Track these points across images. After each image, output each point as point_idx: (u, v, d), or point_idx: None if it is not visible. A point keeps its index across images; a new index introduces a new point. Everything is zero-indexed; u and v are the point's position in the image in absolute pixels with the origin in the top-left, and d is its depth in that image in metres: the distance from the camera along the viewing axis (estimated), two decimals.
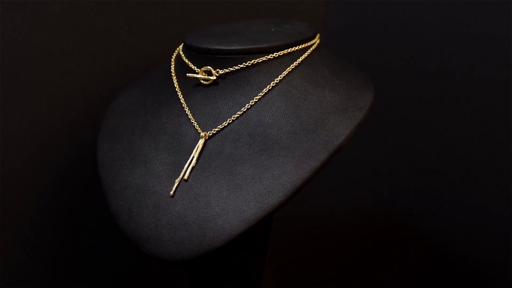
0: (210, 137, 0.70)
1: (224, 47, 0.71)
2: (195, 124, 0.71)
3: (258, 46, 0.70)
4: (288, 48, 0.70)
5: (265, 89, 0.70)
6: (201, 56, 0.73)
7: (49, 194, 0.90)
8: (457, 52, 1.03)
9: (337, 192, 1.20)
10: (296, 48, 0.71)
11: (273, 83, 0.70)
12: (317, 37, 0.74)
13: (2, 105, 0.84)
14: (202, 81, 0.72)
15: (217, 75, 0.71)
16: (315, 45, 0.73)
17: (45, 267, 0.91)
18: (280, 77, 0.70)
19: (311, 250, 1.22)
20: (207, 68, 0.71)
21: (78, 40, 0.89)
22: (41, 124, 0.88)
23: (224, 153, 0.68)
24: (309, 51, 0.72)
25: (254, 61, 0.70)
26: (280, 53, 0.70)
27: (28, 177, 0.88)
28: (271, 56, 0.70)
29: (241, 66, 0.70)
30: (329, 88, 0.69)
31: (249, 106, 0.69)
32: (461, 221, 1.09)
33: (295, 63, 0.70)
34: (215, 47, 0.72)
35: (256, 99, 0.69)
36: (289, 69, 0.70)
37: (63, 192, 0.91)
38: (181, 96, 0.73)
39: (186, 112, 0.72)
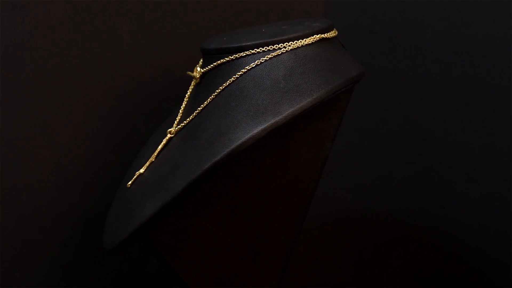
0: (176, 133, 0.74)
1: (205, 47, 0.74)
2: (176, 120, 0.74)
3: (225, 46, 0.72)
4: (253, 49, 0.70)
5: (218, 89, 0.71)
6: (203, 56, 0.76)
7: (50, 194, 0.90)
8: (457, 52, 1.03)
9: (337, 193, 1.20)
10: (263, 49, 0.70)
11: (225, 85, 0.71)
12: (311, 38, 0.72)
13: (2, 105, 0.84)
14: (194, 79, 0.75)
15: (200, 74, 0.74)
16: (294, 46, 0.71)
17: (46, 267, 0.91)
18: (234, 77, 0.70)
19: (312, 251, 1.22)
20: (197, 66, 0.74)
21: (78, 40, 0.89)
22: (41, 124, 0.88)
23: (171, 149, 0.72)
24: (278, 52, 0.70)
25: (220, 61, 0.72)
26: (243, 53, 0.70)
27: (28, 177, 0.88)
28: (233, 56, 0.71)
29: (212, 66, 0.72)
30: (268, 91, 0.68)
31: (203, 106, 0.72)
32: (461, 221, 1.09)
33: (251, 64, 0.70)
34: (201, 47, 0.75)
35: (210, 99, 0.71)
36: (243, 70, 0.70)
37: (64, 192, 0.91)
38: (188, 93, 0.76)
39: (181, 108, 0.75)
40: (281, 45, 0.70)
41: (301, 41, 0.71)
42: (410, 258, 1.17)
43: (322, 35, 0.72)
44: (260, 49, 0.70)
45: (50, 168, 0.89)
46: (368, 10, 1.10)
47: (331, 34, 0.73)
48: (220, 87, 0.71)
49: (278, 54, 0.70)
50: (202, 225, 0.76)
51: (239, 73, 0.70)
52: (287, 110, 0.66)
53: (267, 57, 0.70)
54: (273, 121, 0.65)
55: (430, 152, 1.10)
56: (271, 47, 0.70)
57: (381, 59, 1.10)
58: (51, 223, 0.90)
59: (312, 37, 0.71)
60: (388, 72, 1.10)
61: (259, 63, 0.70)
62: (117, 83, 0.93)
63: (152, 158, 0.73)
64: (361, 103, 1.10)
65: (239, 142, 0.65)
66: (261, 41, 0.70)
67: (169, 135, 0.74)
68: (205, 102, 0.72)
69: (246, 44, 0.71)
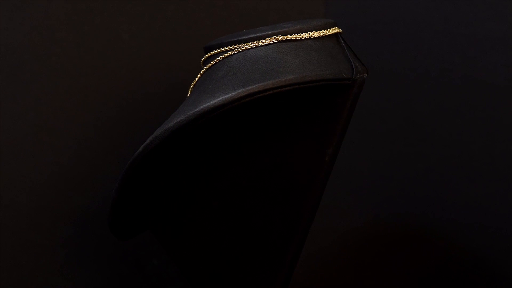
0: None
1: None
2: None
3: (207, 45, 0.74)
4: (216, 49, 0.72)
5: (191, 85, 0.74)
6: None
7: (49, 194, 0.90)
8: (457, 52, 1.03)
9: (336, 193, 1.20)
10: (222, 49, 0.72)
11: (193, 83, 0.74)
12: (269, 39, 0.70)
13: (2, 105, 0.84)
14: None
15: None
16: (246, 47, 0.71)
17: (46, 267, 0.91)
18: (199, 75, 0.73)
19: (311, 250, 1.22)
20: None
21: (78, 40, 0.89)
22: (41, 124, 0.88)
23: None
24: (229, 53, 0.71)
25: (203, 58, 0.74)
26: (213, 52, 0.72)
27: (28, 177, 0.88)
28: (206, 56, 0.73)
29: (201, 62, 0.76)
30: (200, 91, 0.70)
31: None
32: (461, 221, 1.09)
33: (208, 64, 0.72)
34: None
35: (188, 94, 0.75)
36: (203, 70, 0.73)
37: (64, 191, 0.91)
38: None
39: None
40: (237, 46, 0.71)
41: (257, 42, 0.71)
42: (410, 258, 1.17)
43: (286, 36, 0.70)
44: (221, 49, 0.71)
45: (50, 168, 0.89)
46: (368, 10, 1.10)
47: (307, 35, 0.71)
48: (191, 86, 0.74)
49: (230, 55, 0.71)
50: (199, 224, 0.77)
51: (200, 73, 0.73)
52: (190, 111, 0.67)
53: (221, 57, 0.71)
54: (176, 121, 0.67)
55: (430, 152, 1.10)
56: (228, 47, 0.71)
57: (381, 59, 1.10)
58: (51, 223, 0.90)
59: (270, 38, 0.70)
60: (388, 72, 1.10)
61: (213, 63, 0.72)
62: (117, 83, 0.93)
63: None
64: (361, 103, 1.10)
65: (148, 141, 0.68)
66: (223, 41, 0.72)
67: None
68: (187, 96, 0.75)
69: (212, 44, 0.72)
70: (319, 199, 0.76)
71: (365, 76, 0.71)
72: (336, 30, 0.73)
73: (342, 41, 0.73)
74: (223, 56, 0.71)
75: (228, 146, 0.74)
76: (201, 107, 0.66)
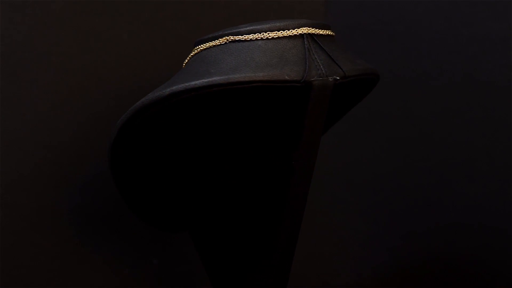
0: None
1: None
2: None
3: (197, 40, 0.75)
4: (198, 45, 0.72)
5: None
6: None
7: (49, 194, 0.90)
8: (457, 52, 1.03)
9: (336, 193, 1.20)
10: (194, 50, 0.72)
11: None
12: (220, 40, 0.70)
13: (2, 105, 0.84)
14: None
15: None
16: (204, 47, 0.71)
17: (46, 267, 0.91)
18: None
19: (310, 250, 1.22)
20: None
21: (78, 40, 0.89)
22: (41, 124, 0.88)
23: None
24: (192, 53, 0.72)
25: None
26: (195, 49, 0.73)
27: (28, 176, 0.88)
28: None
29: None
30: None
31: None
32: (461, 221, 1.09)
33: (185, 62, 0.73)
34: None
35: None
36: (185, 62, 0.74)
37: (64, 191, 0.91)
38: None
39: None
40: (200, 46, 0.72)
41: (212, 42, 0.70)
42: (409, 257, 1.17)
43: (238, 37, 0.69)
44: (193, 49, 0.72)
45: (50, 168, 0.89)
46: (368, 10, 1.10)
47: (258, 36, 0.69)
48: None
49: (193, 55, 0.72)
50: (196, 224, 0.77)
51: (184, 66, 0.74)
52: (129, 109, 0.68)
53: (188, 58, 0.73)
54: (120, 118, 0.69)
55: (430, 152, 1.10)
56: (198, 47, 0.72)
57: (381, 59, 1.10)
58: (51, 223, 0.90)
59: (223, 38, 0.70)
60: (388, 72, 1.10)
61: (188, 59, 0.73)
62: (117, 83, 0.93)
63: None
64: (360, 103, 1.10)
65: (108, 137, 0.71)
66: (196, 41, 0.72)
67: None
68: None
69: (196, 40, 0.73)
70: (299, 205, 0.74)
71: (331, 79, 0.67)
72: (304, 30, 0.69)
73: (307, 43, 0.69)
74: (190, 56, 0.72)
75: (198, 144, 0.74)
76: (135, 105, 0.68)
